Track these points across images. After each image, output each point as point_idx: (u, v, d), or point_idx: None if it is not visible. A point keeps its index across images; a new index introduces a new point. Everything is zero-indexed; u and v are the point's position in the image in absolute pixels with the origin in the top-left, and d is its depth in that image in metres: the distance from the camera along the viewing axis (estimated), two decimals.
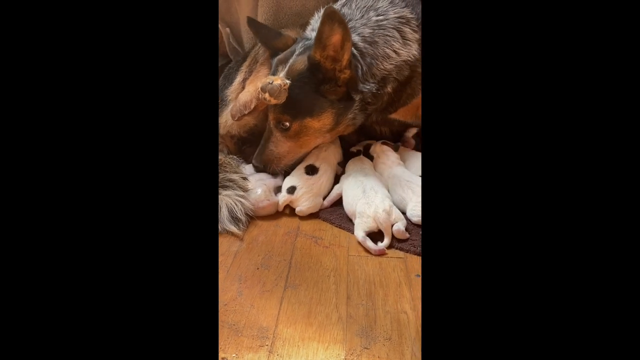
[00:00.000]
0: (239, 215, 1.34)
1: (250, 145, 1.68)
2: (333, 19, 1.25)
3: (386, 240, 1.26)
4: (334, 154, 1.59)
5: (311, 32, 1.51)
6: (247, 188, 1.43)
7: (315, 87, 1.38)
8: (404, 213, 1.36)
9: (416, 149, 1.69)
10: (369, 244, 1.25)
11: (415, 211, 1.34)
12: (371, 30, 1.40)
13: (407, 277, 1.14)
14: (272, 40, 1.55)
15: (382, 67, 1.40)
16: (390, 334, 0.95)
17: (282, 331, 0.96)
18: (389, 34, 1.40)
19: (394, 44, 1.40)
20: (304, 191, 1.42)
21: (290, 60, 1.42)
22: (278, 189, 1.48)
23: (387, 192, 1.39)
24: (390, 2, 1.45)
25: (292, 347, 0.92)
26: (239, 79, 1.67)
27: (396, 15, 1.42)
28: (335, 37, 1.29)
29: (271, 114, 1.47)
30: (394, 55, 1.40)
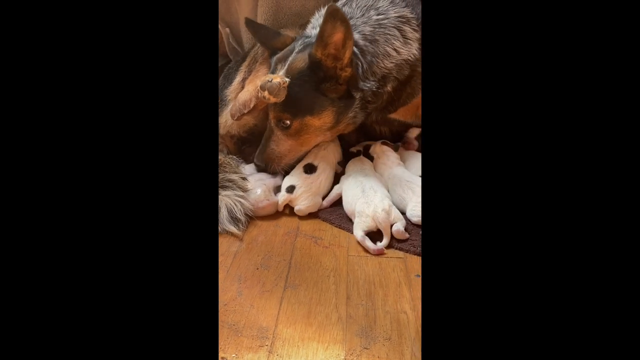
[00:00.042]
0: (238, 216, 1.34)
1: (250, 145, 1.68)
2: (336, 17, 1.26)
3: (385, 240, 1.26)
4: (333, 153, 1.58)
5: (312, 30, 1.51)
6: (247, 188, 1.42)
7: (315, 85, 1.38)
8: (403, 213, 1.37)
9: (417, 150, 1.68)
10: (368, 243, 1.26)
11: (415, 211, 1.34)
12: (372, 29, 1.41)
13: (406, 277, 1.14)
14: (270, 39, 1.56)
15: (382, 65, 1.40)
16: (390, 334, 0.95)
17: (282, 331, 0.96)
18: (389, 32, 1.41)
19: (395, 42, 1.41)
20: (302, 190, 1.42)
21: (290, 58, 1.42)
22: (278, 189, 1.48)
23: (386, 192, 1.39)
24: (391, 2, 1.45)
25: (291, 347, 0.92)
26: (238, 78, 1.67)
27: (396, 14, 1.43)
28: (337, 36, 1.29)
29: (272, 113, 1.46)
30: (394, 53, 1.41)
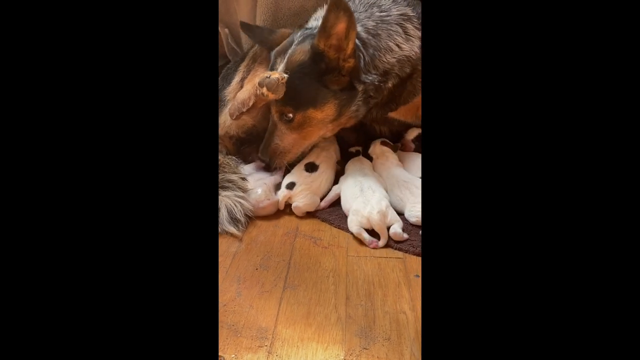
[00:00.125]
0: (238, 216, 1.34)
1: (249, 146, 1.68)
2: (339, 6, 1.26)
3: (382, 240, 1.27)
4: (335, 153, 1.60)
5: (313, 22, 1.52)
6: (247, 188, 1.43)
7: (317, 77, 1.38)
8: (402, 214, 1.37)
9: (415, 152, 1.68)
10: (365, 235, 1.27)
11: (413, 212, 1.35)
12: (374, 24, 1.42)
13: (406, 278, 1.14)
14: (267, 38, 1.56)
15: (384, 59, 1.40)
16: (389, 334, 0.95)
17: (281, 332, 0.96)
18: (392, 28, 1.42)
19: (397, 38, 1.42)
20: (302, 188, 1.43)
21: (290, 51, 1.42)
22: (278, 187, 1.48)
23: (385, 192, 1.40)
24: (393, 1, 1.47)
25: (291, 348, 0.92)
26: (237, 78, 1.67)
27: (398, 12, 1.44)
28: (340, 26, 1.29)
29: (274, 107, 1.46)
30: (396, 49, 1.41)
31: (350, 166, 1.55)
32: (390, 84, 1.44)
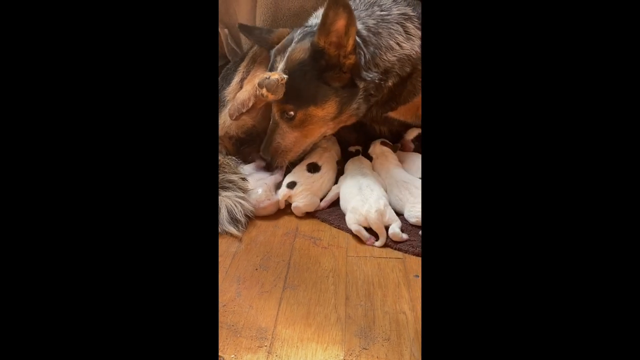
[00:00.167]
0: (238, 217, 1.34)
1: (249, 146, 1.68)
2: (338, 3, 1.26)
3: (381, 240, 1.27)
4: (336, 154, 1.61)
5: (312, 20, 1.52)
6: (247, 189, 1.43)
7: (318, 74, 1.38)
8: (401, 214, 1.37)
9: (415, 152, 1.69)
10: (363, 233, 1.28)
11: (412, 212, 1.35)
12: (375, 22, 1.42)
13: (405, 278, 1.14)
14: (266, 38, 1.56)
15: (385, 58, 1.41)
16: (389, 334, 0.95)
17: (281, 332, 0.96)
18: (392, 27, 1.42)
19: (398, 36, 1.42)
20: (303, 188, 1.43)
21: (290, 49, 1.42)
22: (279, 187, 1.48)
23: (383, 192, 1.40)
24: (393, 0, 1.47)
25: (290, 348, 0.92)
26: (236, 79, 1.67)
27: (399, 12, 1.45)
28: (340, 22, 1.29)
29: (275, 106, 1.46)
30: (397, 47, 1.42)
31: (350, 166, 1.55)
32: (390, 83, 1.44)
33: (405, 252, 1.24)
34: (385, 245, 1.27)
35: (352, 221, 1.31)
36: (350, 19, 1.29)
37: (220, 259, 1.22)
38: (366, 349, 0.91)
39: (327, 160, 1.54)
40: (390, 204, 1.38)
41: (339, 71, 1.38)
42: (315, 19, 1.50)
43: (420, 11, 1.46)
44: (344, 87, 1.40)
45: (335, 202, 1.47)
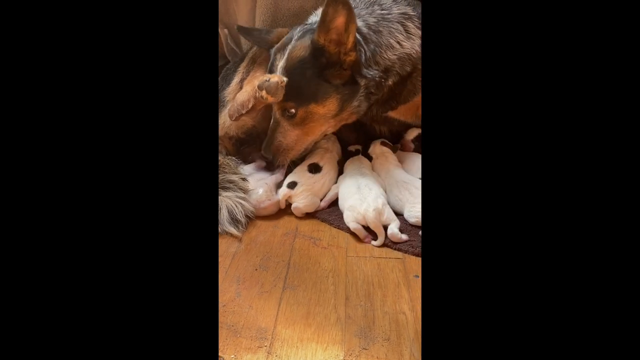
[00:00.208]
0: (239, 217, 1.34)
1: (249, 146, 1.69)
2: (337, 0, 1.26)
3: (380, 239, 1.27)
4: (338, 154, 1.61)
5: (312, 18, 1.52)
6: (248, 189, 1.43)
7: (318, 71, 1.38)
8: (401, 214, 1.37)
9: (415, 152, 1.69)
10: (362, 231, 1.29)
11: (412, 212, 1.35)
12: (376, 20, 1.42)
13: (405, 278, 1.14)
14: (265, 38, 1.57)
15: (385, 56, 1.41)
16: (388, 334, 0.95)
17: (281, 332, 0.96)
18: (393, 26, 1.43)
19: (398, 35, 1.42)
20: (303, 188, 1.43)
21: (289, 46, 1.42)
22: (280, 187, 1.48)
23: (382, 191, 1.40)
24: (394, 0, 1.47)
25: (290, 348, 0.92)
26: (236, 79, 1.67)
27: (399, 11, 1.45)
28: (340, 20, 1.29)
29: (276, 104, 1.46)
30: (397, 46, 1.42)
31: (349, 165, 1.55)
32: (390, 82, 1.44)
33: (405, 252, 1.24)
34: (385, 245, 1.27)
35: (350, 219, 1.32)
36: (350, 16, 1.29)
37: (220, 259, 1.22)
38: (366, 349, 0.91)
39: (328, 161, 1.54)
40: (389, 204, 1.38)
41: (339, 68, 1.37)
42: (315, 17, 1.50)
43: (420, 11, 1.46)
44: (344, 84, 1.40)
45: (335, 202, 1.46)
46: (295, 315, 1.01)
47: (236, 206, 1.34)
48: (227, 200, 1.35)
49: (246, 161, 1.62)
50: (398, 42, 1.42)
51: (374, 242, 1.28)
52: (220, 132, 1.66)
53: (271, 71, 1.46)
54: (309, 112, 1.43)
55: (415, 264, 1.20)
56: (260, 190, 1.43)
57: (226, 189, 1.40)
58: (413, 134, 1.70)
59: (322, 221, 1.41)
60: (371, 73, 1.40)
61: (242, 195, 1.39)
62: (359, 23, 1.37)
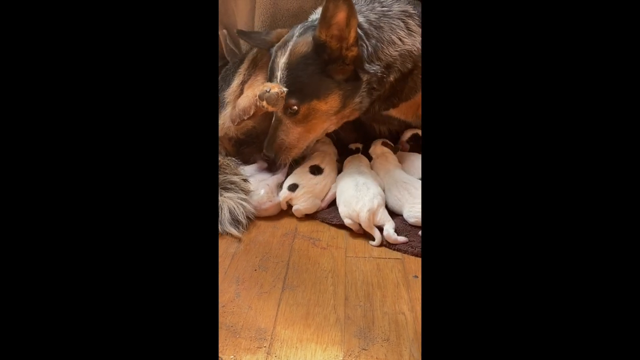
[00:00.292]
0: (240, 218, 1.34)
1: (249, 147, 1.68)
2: None
3: (377, 239, 1.27)
4: (334, 155, 1.62)
5: (313, 16, 1.53)
6: (249, 190, 1.43)
7: (320, 68, 1.38)
8: (400, 214, 1.37)
9: (411, 152, 1.69)
10: (356, 226, 1.30)
11: (412, 212, 1.35)
12: (376, 16, 1.43)
13: (404, 278, 1.14)
14: (265, 39, 1.57)
15: (387, 52, 1.41)
16: (388, 335, 0.95)
17: (280, 332, 0.96)
18: (394, 22, 1.43)
19: (399, 32, 1.42)
20: (304, 190, 1.43)
21: (291, 44, 1.42)
22: (281, 187, 1.47)
23: (380, 190, 1.39)
24: None
25: (290, 349, 0.92)
26: (237, 81, 1.67)
27: (400, 9, 1.46)
28: (340, 15, 1.29)
29: None
30: (398, 42, 1.42)
31: (348, 164, 1.55)
32: (392, 78, 1.44)
33: (405, 253, 1.24)
34: (384, 246, 1.27)
35: (344, 214, 1.33)
36: (351, 11, 1.29)
37: (219, 260, 1.22)
38: (365, 350, 0.91)
39: (329, 163, 1.55)
40: (389, 204, 1.38)
41: (342, 64, 1.37)
42: (315, 15, 1.51)
43: (420, 10, 1.46)
44: (347, 80, 1.40)
45: (335, 201, 1.46)
46: (294, 315, 1.01)
47: (238, 207, 1.35)
48: (228, 201, 1.35)
49: (246, 162, 1.62)
50: (399, 39, 1.42)
51: (372, 242, 1.28)
52: (220, 133, 1.66)
53: (272, 69, 1.45)
54: (312, 109, 1.43)
55: (414, 264, 1.20)
56: (262, 192, 1.43)
57: (228, 189, 1.40)
58: (407, 134, 1.70)
59: (322, 221, 1.41)
60: (373, 68, 1.40)
61: (244, 196, 1.40)
62: (360, 19, 1.38)
